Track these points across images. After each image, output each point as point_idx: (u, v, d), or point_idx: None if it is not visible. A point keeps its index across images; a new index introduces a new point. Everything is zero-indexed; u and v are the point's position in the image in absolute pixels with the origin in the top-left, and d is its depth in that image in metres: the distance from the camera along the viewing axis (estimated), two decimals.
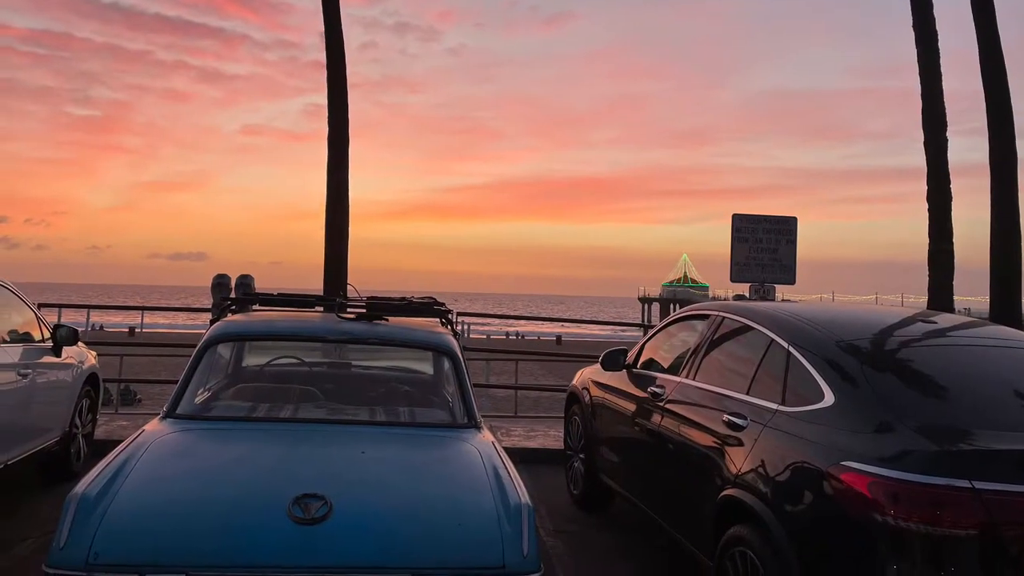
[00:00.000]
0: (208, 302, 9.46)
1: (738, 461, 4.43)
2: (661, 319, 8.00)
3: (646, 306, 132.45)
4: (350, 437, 4.67)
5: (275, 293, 6.36)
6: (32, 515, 6.84)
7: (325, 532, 3.52)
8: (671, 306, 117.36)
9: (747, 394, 4.75)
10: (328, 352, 6.36)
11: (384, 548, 3.50)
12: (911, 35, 14.12)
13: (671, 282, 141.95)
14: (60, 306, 13.61)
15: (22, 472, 7.14)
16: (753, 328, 5.14)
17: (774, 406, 4.44)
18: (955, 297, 13.86)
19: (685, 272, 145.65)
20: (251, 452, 4.32)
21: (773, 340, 4.81)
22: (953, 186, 13.82)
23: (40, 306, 9.16)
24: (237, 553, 3.41)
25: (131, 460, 4.01)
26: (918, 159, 13.97)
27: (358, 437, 4.67)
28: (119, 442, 4.47)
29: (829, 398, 4.10)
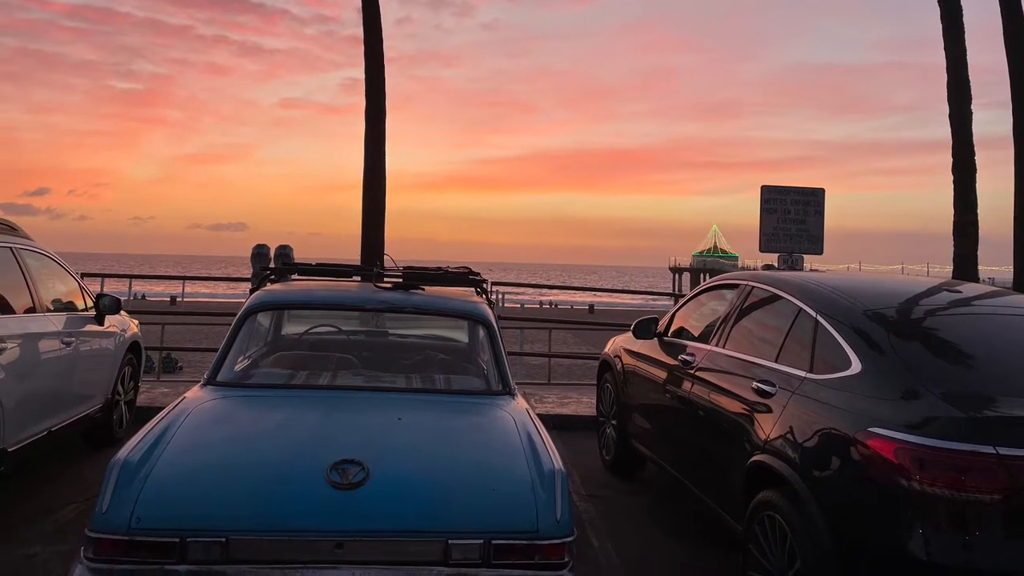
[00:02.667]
0: (248, 272, 9.60)
1: (767, 427, 4.50)
2: (691, 289, 8.04)
3: (677, 276, 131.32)
4: (387, 404, 4.74)
5: (313, 263, 6.45)
6: (75, 480, 6.98)
7: (362, 497, 3.58)
8: (701, 276, 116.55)
9: (776, 362, 4.81)
10: (365, 321, 6.46)
11: (420, 513, 3.57)
12: (937, 9, 14.06)
13: (701, 252, 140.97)
14: (103, 276, 13.82)
15: (66, 438, 7.29)
16: (782, 297, 5.19)
17: (802, 374, 4.49)
18: (979, 267, 13.87)
19: (715, 242, 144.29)
20: (290, 419, 4.41)
21: (801, 309, 4.85)
22: (978, 158, 13.81)
23: (83, 276, 9.33)
24: (276, 518, 3.49)
25: (172, 426, 4.09)
26: (943, 132, 14.00)
27: (395, 404, 4.75)
28: (160, 409, 4.58)
29: (856, 366, 4.15)
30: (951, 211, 13.86)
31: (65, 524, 5.95)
